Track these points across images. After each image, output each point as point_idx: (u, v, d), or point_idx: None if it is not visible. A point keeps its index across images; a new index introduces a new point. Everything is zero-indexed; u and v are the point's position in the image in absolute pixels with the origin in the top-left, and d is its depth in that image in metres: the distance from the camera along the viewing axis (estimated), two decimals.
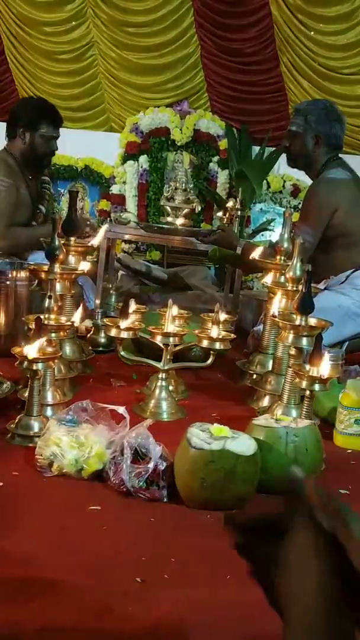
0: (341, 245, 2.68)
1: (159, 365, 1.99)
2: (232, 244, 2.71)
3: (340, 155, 2.83)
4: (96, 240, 2.26)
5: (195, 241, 2.96)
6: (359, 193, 2.71)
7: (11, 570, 1.15)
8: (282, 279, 2.17)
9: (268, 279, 2.22)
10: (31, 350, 1.65)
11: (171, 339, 1.96)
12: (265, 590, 0.64)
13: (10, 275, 2.37)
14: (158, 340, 1.97)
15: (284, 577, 0.61)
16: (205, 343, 1.96)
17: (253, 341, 2.55)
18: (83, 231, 2.66)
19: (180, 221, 3.86)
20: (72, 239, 2.15)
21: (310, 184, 2.83)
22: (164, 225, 3.25)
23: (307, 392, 1.77)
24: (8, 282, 2.36)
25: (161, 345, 1.97)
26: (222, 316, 2.04)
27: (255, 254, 2.36)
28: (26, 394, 1.69)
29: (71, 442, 1.48)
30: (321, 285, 2.68)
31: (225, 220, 3.27)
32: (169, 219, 3.73)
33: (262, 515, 0.66)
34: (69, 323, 1.94)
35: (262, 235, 4.79)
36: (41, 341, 1.68)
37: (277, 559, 0.62)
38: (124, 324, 1.92)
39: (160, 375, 1.99)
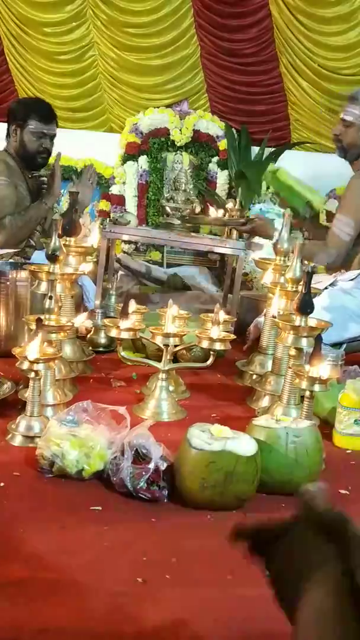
0: None
1: (159, 365, 1.99)
2: (268, 233, 2.64)
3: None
4: (92, 239, 2.27)
5: (192, 242, 2.95)
6: None
7: (12, 571, 1.15)
8: (282, 279, 2.17)
9: (267, 279, 2.23)
10: (32, 350, 1.65)
11: (171, 340, 1.96)
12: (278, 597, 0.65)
13: (10, 276, 2.37)
14: (158, 340, 1.97)
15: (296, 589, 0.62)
16: (205, 343, 1.96)
17: (255, 330, 2.53)
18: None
19: (179, 221, 3.85)
20: (73, 239, 2.16)
21: (353, 176, 2.76)
22: (195, 217, 3.07)
23: (307, 393, 1.77)
24: (8, 283, 2.37)
25: (161, 345, 1.98)
26: (222, 316, 2.05)
27: (255, 255, 2.37)
28: (27, 395, 1.70)
29: (72, 442, 1.48)
30: (331, 278, 2.66)
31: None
32: (169, 219, 3.72)
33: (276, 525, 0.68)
34: (69, 324, 1.95)
35: None
36: (41, 342, 1.68)
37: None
38: (124, 324, 1.93)
39: (160, 376, 1.99)
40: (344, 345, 2.55)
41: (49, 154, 3.09)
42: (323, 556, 0.61)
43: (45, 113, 3.03)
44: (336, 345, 2.43)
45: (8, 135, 3.06)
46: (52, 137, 3.05)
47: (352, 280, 2.62)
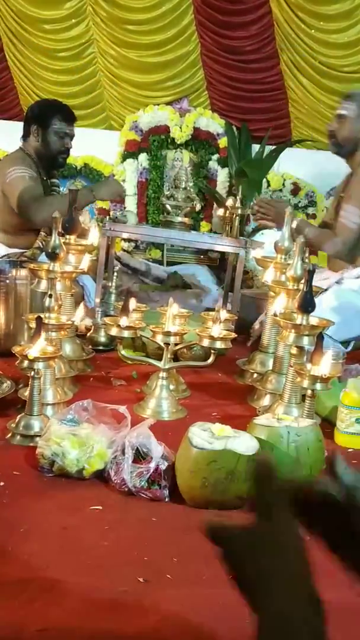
0: None
1: (160, 364, 1.98)
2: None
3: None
4: (92, 239, 2.26)
5: (192, 240, 2.95)
6: None
7: (13, 570, 1.15)
8: (283, 277, 2.16)
9: (268, 277, 2.22)
10: (32, 349, 1.65)
11: (172, 338, 1.96)
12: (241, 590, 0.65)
13: (10, 274, 2.37)
14: (158, 339, 1.96)
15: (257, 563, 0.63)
16: (206, 342, 1.96)
17: (260, 328, 2.54)
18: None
19: (179, 219, 3.85)
20: (72, 237, 2.15)
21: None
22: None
23: (309, 392, 1.76)
24: (8, 281, 2.36)
25: (161, 344, 1.97)
26: (223, 315, 2.04)
27: (256, 253, 2.36)
28: (27, 393, 1.69)
29: (72, 441, 1.47)
30: (337, 275, 2.67)
31: (225, 219, 3.27)
32: (169, 217, 3.72)
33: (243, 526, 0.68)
34: (69, 322, 1.94)
35: (262, 233, 4.79)
36: (41, 340, 1.67)
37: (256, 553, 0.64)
38: (124, 322, 1.92)
39: (160, 375, 1.98)
40: (352, 344, 2.54)
41: (69, 154, 3.17)
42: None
43: (68, 114, 3.10)
44: (344, 343, 2.43)
45: (26, 135, 3.07)
46: (72, 137, 3.13)
47: (358, 278, 2.64)
